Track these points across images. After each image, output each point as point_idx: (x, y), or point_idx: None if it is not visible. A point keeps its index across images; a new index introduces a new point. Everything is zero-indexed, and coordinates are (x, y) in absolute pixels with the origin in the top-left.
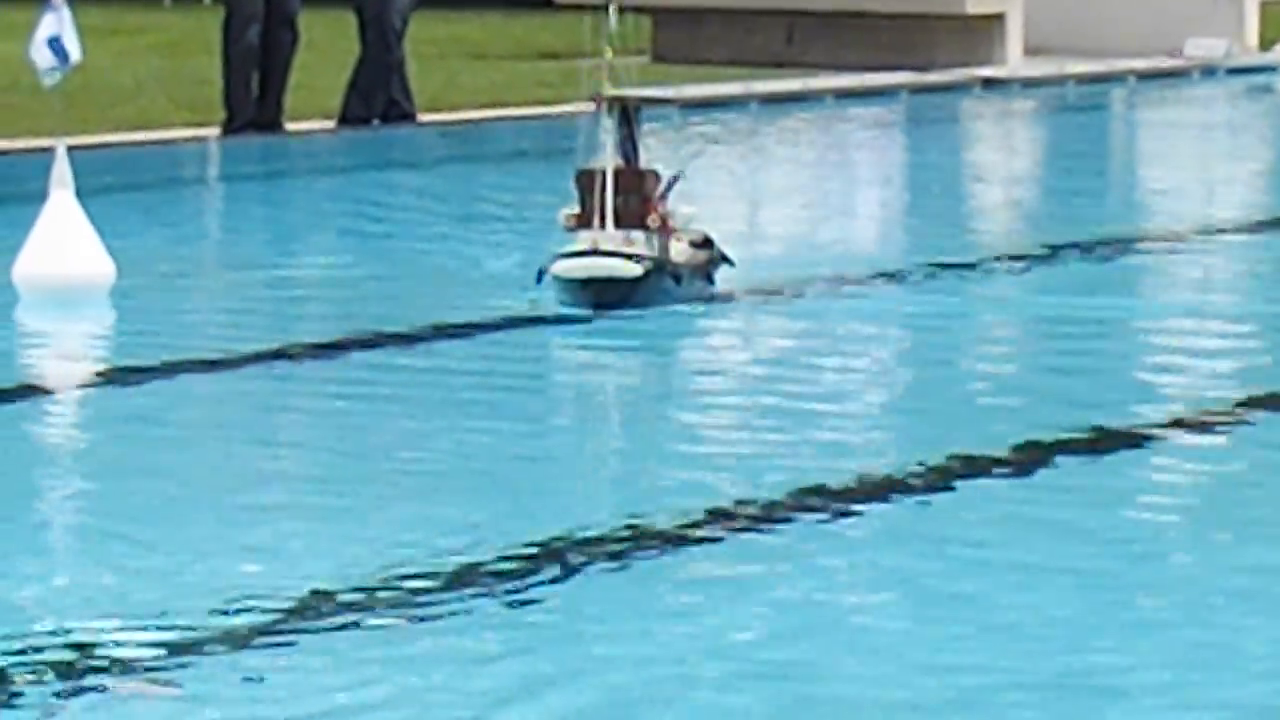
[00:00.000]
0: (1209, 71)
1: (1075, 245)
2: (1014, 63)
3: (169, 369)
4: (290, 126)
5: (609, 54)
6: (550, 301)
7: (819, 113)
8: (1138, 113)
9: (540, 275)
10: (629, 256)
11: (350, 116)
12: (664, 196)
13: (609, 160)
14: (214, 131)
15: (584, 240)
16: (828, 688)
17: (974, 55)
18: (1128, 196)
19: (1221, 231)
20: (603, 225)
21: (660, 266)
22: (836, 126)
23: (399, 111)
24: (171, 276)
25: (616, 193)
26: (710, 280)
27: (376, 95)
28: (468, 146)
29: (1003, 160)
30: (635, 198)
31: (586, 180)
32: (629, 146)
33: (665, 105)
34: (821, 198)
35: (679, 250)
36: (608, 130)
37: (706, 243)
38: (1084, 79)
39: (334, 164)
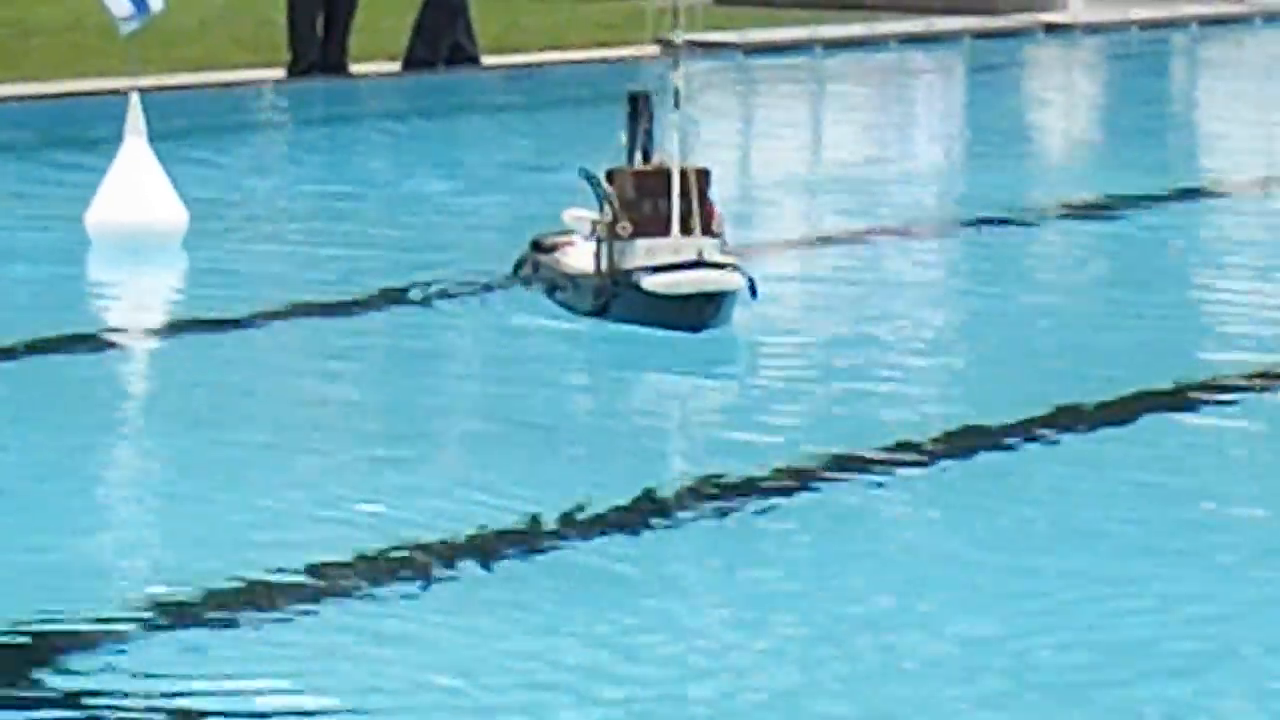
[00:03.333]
0: (1271, 18)
1: (1137, 195)
2: (1075, 7)
3: (241, 319)
4: (354, 68)
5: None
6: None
7: (883, 57)
8: (1200, 59)
9: (526, 280)
10: (730, 267)
11: (415, 59)
12: None
13: (674, 158)
14: (278, 73)
15: (681, 249)
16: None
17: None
18: (1188, 144)
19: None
20: (683, 232)
21: (746, 276)
22: (901, 71)
23: (463, 54)
24: (240, 224)
25: (683, 195)
26: None
27: (441, 39)
28: (532, 90)
29: (1067, 107)
30: (698, 200)
31: (646, 182)
32: (647, 140)
33: (729, 50)
34: (886, 145)
35: None
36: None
37: None
38: (1146, 24)
39: (400, 108)
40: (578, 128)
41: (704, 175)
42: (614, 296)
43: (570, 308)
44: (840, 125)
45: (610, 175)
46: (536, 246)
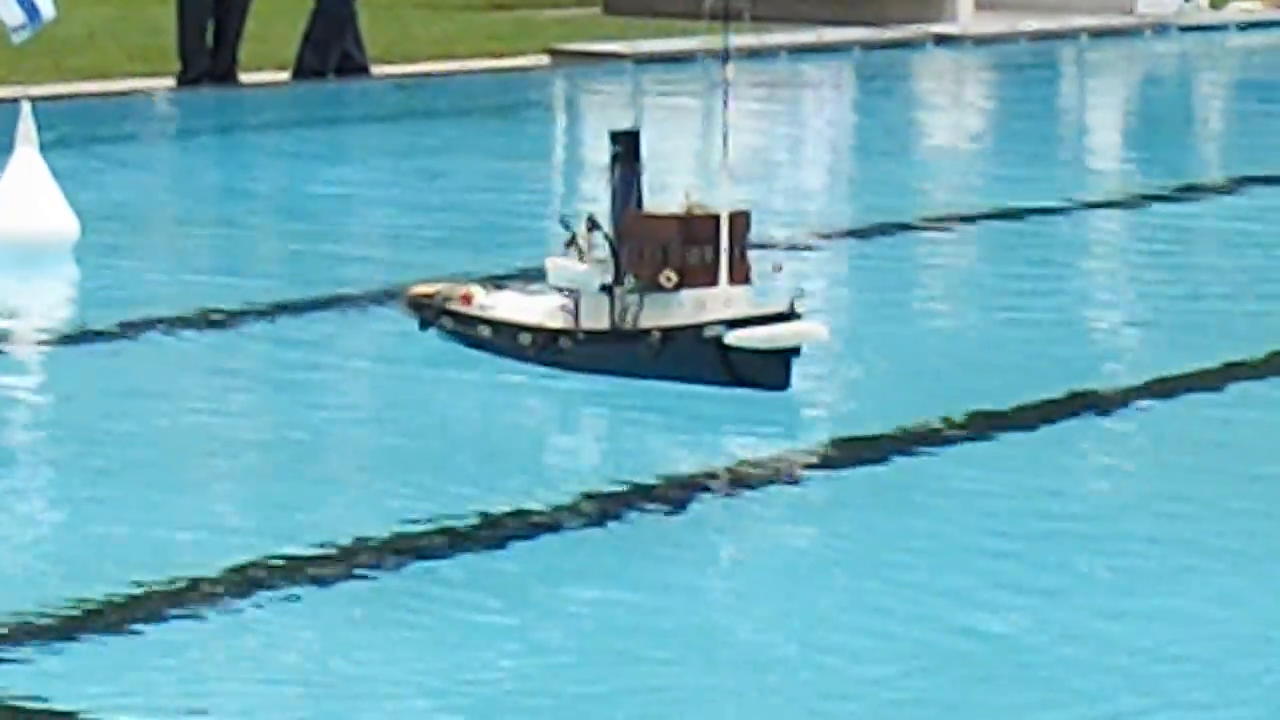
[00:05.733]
0: (1161, 29)
1: (1025, 205)
2: (965, 19)
3: (130, 329)
4: (244, 78)
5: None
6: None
7: (774, 69)
8: (1089, 70)
9: (424, 324)
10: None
11: (305, 69)
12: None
13: (722, 201)
14: (168, 82)
15: (731, 301)
16: None
17: (925, 10)
18: (1076, 155)
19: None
20: (733, 281)
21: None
22: (792, 82)
23: (352, 64)
24: (130, 233)
25: (731, 242)
26: None
27: (331, 48)
28: (421, 100)
29: (956, 118)
30: (740, 247)
31: (693, 228)
32: (638, 183)
33: (618, 60)
34: (776, 157)
35: None
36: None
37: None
38: (1036, 36)
39: (290, 117)
40: (468, 137)
41: (748, 219)
42: (660, 352)
43: (526, 359)
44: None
45: (636, 219)
46: (428, 298)
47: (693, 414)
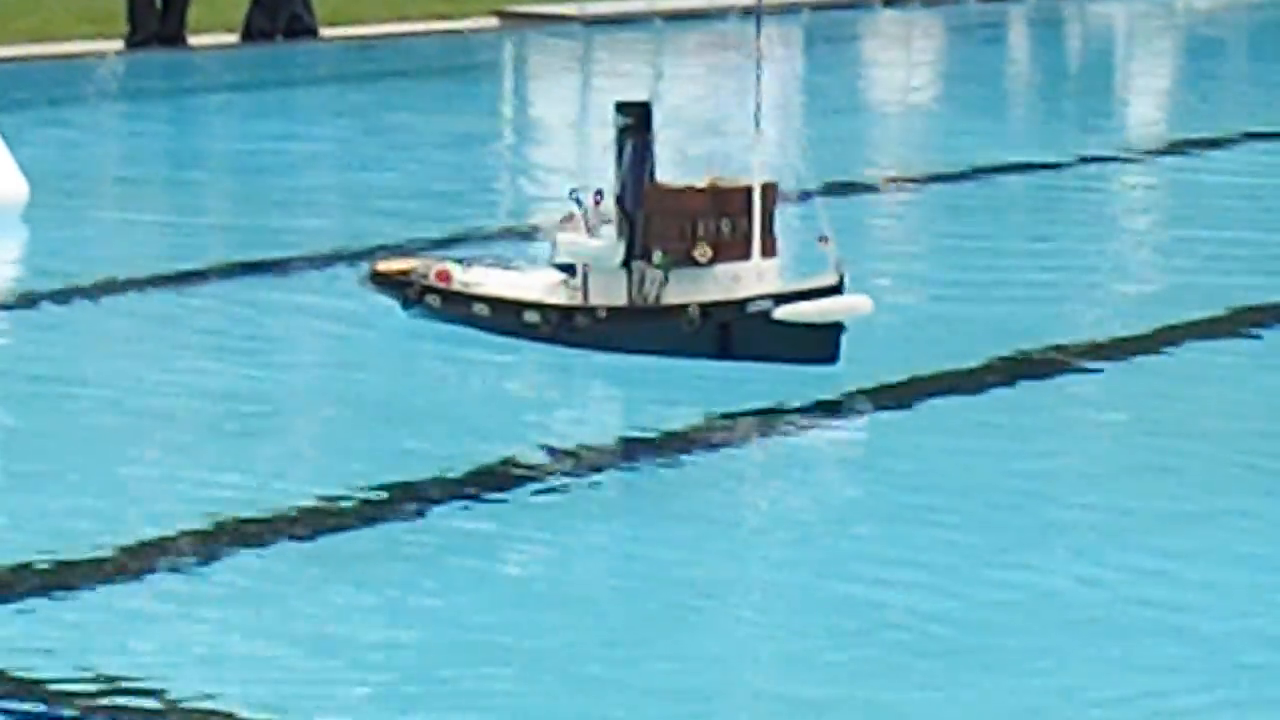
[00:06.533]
0: None
1: (971, 166)
2: None
3: (80, 291)
4: (193, 40)
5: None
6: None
7: (723, 29)
8: (1037, 31)
9: (407, 303)
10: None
11: (253, 31)
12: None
13: (755, 177)
14: (116, 44)
15: (764, 274)
16: None
17: None
18: (1025, 115)
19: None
20: (764, 254)
21: None
22: (742, 44)
23: (301, 26)
24: (80, 195)
25: (764, 214)
26: None
27: (279, 10)
28: (370, 62)
29: (904, 79)
30: (768, 220)
31: (725, 201)
32: (651, 157)
33: (567, 22)
34: (725, 118)
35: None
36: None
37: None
38: None
39: (238, 79)
40: (416, 100)
41: (775, 191)
42: (700, 328)
43: (534, 338)
44: (679, 98)
45: (660, 192)
46: (401, 274)
47: (677, 376)
